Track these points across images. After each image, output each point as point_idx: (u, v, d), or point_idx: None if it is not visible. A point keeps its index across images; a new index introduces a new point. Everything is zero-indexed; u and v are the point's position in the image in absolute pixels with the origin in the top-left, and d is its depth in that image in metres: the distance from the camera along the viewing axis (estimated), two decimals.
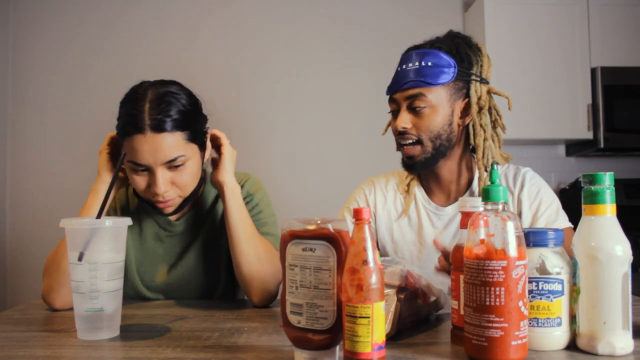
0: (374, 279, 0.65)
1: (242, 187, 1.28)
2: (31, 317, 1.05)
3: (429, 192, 1.33)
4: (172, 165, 1.10)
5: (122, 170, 1.16)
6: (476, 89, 1.21)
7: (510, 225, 0.70)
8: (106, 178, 1.15)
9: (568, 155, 3.08)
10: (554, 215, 1.21)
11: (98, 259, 0.87)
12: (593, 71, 2.73)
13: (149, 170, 1.10)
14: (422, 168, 1.24)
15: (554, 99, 2.71)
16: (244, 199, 1.26)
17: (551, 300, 0.75)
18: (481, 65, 1.23)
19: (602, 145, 2.70)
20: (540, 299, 0.75)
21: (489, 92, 1.23)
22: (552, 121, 2.71)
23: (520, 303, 0.69)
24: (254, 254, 1.14)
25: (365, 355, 0.65)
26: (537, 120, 2.70)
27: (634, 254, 0.76)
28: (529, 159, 3.02)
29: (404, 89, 1.20)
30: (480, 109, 1.21)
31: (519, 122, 2.62)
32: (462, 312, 0.76)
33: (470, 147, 1.28)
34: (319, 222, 0.69)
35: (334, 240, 0.67)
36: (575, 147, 3.00)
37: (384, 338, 0.67)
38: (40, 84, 2.89)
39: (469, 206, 0.82)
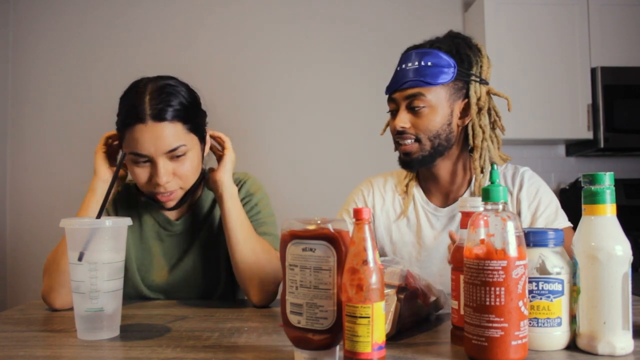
0: (374, 279, 0.65)
1: (241, 186, 1.29)
2: (31, 317, 1.05)
3: (427, 193, 1.33)
4: (173, 155, 1.10)
5: (123, 167, 1.17)
6: (476, 89, 1.21)
7: (510, 225, 0.70)
8: (103, 176, 1.15)
9: (568, 155, 3.08)
10: (553, 215, 1.21)
11: (98, 259, 0.87)
12: (593, 71, 2.73)
13: (151, 162, 1.11)
14: (419, 165, 1.24)
15: (554, 99, 2.71)
16: (243, 199, 1.27)
17: (551, 300, 0.75)
18: (481, 66, 1.23)
19: (602, 145, 2.70)
20: (540, 299, 0.75)
21: (488, 92, 1.23)
22: (552, 121, 2.71)
23: (520, 303, 0.69)
24: (252, 254, 1.14)
25: (365, 355, 0.65)
26: (537, 120, 2.70)
27: (634, 254, 0.76)
28: (529, 159, 3.02)
29: (403, 89, 1.20)
30: (480, 109, 1.21)
31: (519, 122, 2.63)
32: (462, 312, 0.76)
33: (469, 147, 1.28)
34: (319, 222, 0.69)
35: (334, 240, 0.67)
36: (575, 147, 3.00)
37: (384, 338, 0.67)
38: (40, 84, 2.89)
39: (469, 206, 0.82)
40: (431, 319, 0.97)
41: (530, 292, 0.75)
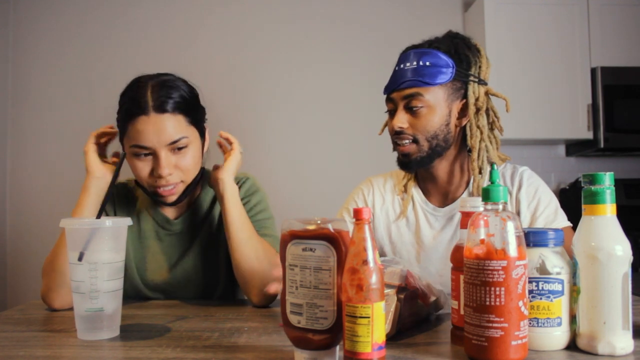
0: (374, 279, 0.65)
1: (240, 187, 1.29)
2: (31, 317, 1.05)
3: (426, 193, 1.32)
4: (175, 147, 1.12)
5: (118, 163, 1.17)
6: (474, 89, 1.21)
7: (510, 225, 0.70)
8: (97, 174, 1.13)
9: (568, 155, 3.08)
10: (552, 215, 1.21)
11: (98, 259, 0.87)
12: (593, 71, 2.73)
13: (153, 155, 1.12)
14: (417, 166, 1.24)
15: (554, 99, 2.71)
16: (242, 199, 1.26)
17: (551, 300, 0.75)
18: (480, 66, 1.22)
19: (602, 145, 2.70)
20: (540, 299, 0.75)
21: (487, 93, 1.22)
22: (552, 121, 2.71)
23: (520, 303, 0.69)
24: (253, 254, 1.14)
25: (365, 355, 0.65)
26: (537, 120, 2.70)
27: (634, 254, 0.76)
28: (529, 159, 3.02)
29: (401, 89, 1.20)
30: (478, 110, 1.21)
31: (519, 122, 2.63)
32: (462, 312, 0.76)
33: (467, 148, 1.28)
34: (319, 222, 0.69)
35: (334, 240, 0.67)
36: (575, 147, 3.00)
37: (384, 338, 0.67)
38: (40, 84, 2.89)
39: (469, 206, 0.82)
40: (431, 319, 0.97)
41: (530, 292, 0.75)
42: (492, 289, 0.69)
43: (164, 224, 1.27)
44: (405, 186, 1.34)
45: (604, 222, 0.74)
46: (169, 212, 1.28)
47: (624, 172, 3.02)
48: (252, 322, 0.99)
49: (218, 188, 1.17)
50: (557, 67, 2.72)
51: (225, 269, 1.27)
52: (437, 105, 1.19)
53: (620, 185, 2.85)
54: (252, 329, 0.93)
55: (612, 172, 0.75)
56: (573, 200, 2.34)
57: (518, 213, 1.23)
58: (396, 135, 1.22)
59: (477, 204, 0.81)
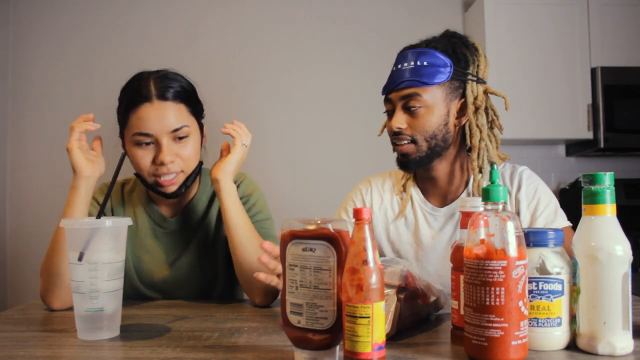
0: (374, 279, 0.65)
1: (237, 187, 1.28)
2: (31, 317, 1.05)
3: (425, 192, 1.32)
4: (176, 135, 1.14)
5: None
6: (472, 88, 1.20)
7: (510, 225, 0.70)
8: (85, 173, 1.10)
9: (568, 155, 3.08)
10: (552, 215, 1.21)
11: (98, 259, 0.87)
12: (593, 71, 2.73)
13: (154, 144, 1.14)
14: (416, 166, 1.24)
15: (554, 99, 2.71)
16: (240, 199, 1.26)
17: (551, 300, 0.75)
18: (478, 65, 1.22)
19: (602, 145, 2.70)
20: (540, 299, 0.75)
21: (485, 92, 1.22)
22: (552, 121, 2.71)
23: (520, 303, 0.69)
24: (255, 255, 1.13)
25: (365, 355, 0.65)
26: (537, 120, 2.70)
27: (634, 254, 0.76)
28: (529, 159, 3.02)
29: (399, 89, 1.20)
30: (477, 109, 1.21)
31: (519, 122, 2.63)
32: (462, 312, 0.76)
33: (467, 147, 1.27)
34: (319, 222, 0.69)
35: (334, 240, 0.68)
36: (575, 147, 3.00)
37: (384, 338, 0.67)
38: (40, 84, 2.89)
39: (469, 206, 0.82)
40: (431, 319, 0.97)
41: (530, 292, 0.75)
42: (492, 289, 0.69)
43: (161, 222, 1.27)
44: (404, 186, 1.34)
45: (604, 222, 0.74)
46: (166, 210, 1.28)
47: (624, 172, 3.02)
48: (252, 322, 0.99)
49: (214, 186, 1.17)
50: (557, 67, 2.72)
51: (224, 267, 1.27)
52: (435, 105, 1.18)
53: (620, 185, 2.85)
54: (252, 329, 0.93)
55: (612, 172, 0.75)
56: (573, 200, 2.34)
57: (517, 213, 1.22)
58: (395, 136, 1.22)
59: (477, 204, 0.81)
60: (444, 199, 1.30)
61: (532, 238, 0.76)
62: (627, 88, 2.71)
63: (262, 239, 1.17)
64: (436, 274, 1.02)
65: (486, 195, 0.73)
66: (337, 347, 0.71)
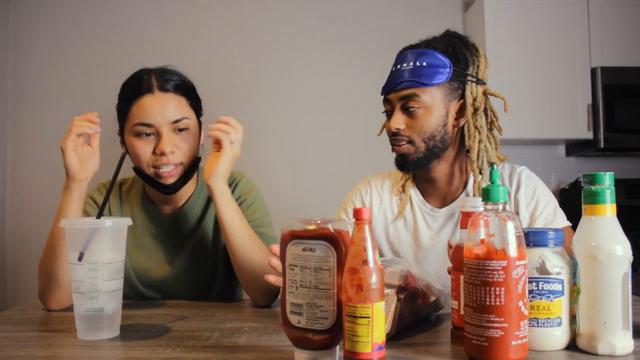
0: (374, 279, 0.65)
1: (234, 187, 1.28)
2: (31, 317, 1.05)
3: (424, 193, 1.32)
4: (177, 127, 1.16)
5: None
6: (471, 89, 1.20)
7: (510, 225, 0.70)
8: (78, 176, 1.08)
9: (568, 155, 3.08)
10: (552, 215, 1.21)
11: (98, 259, 0.87)
12: (593, 71, 2.73)
13: (155, 135, 1.15)
14: (414, 167, 1.23)
15: (554, 99, 2.71)
16: (237, 199, 1.26)
17: (551, 300, 0.75)
18: (478, 66, 1.21)
19: (602, 145, 2.70)
20: (540, 299, 0.75)
21: (485, 93, 1.22)
22: (552, 121, 2.71)
23: (520, 303, 0.69)
24: (254, 259, 1.12)
25: (365, 355, 0.65)
26: (537, 120, 2.70)
27: (634, 254, 0.76)
28: (529, 159, 3.02)
29: (397, 90, 1.19)
30: (476, 110, 1.20)
31: (519, 122, 2.63)
32: (462, 312, 0.76)
33: (466, 148, 1.27)
34: (319, 222, 0.69)
35: (334, 240, 0.67)
36: (575, 147, 3.00)
37: (384, 338, 0.67)
38: (40, 84, 2.89)
39: (469, 206, 0.82)
40: (431, 319, 0.97)
41: (530, 292, 0.75)
42: (492, 289, 0.69)
43: (159, 221, 1.27)
44: (403, 186, 1.33)
45: (604, 222, 0.74)
46: (164, 209, 1.28)
47: (624, 172, 3.02)
48: (252, 322, 0.99)
49: (210, 193, 1.14)
50: (557, 67, 2.71)
51: (223, 266, 1.26)
52: (434, 106, 1.18)
53: (620, 185, 2.85)
54: (252, 329, 0.93)
55: (612, 172, 0.75)
56: (573, 200, 2.34)
57: (517, 213, 1.22)
58: (393, 137, 1.22)
59: (477, 204, 0.81)
60: (443, 200, 1.30)
61: (532, 238, 0.76)
62: (627, 88, 2.71)
63: (261, 241, 1.17)
64: (435, 275, 1.02)
65: (486, 195, 0.73)
66: (337, 347, 0.71)
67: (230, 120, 1.14)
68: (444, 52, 1.19)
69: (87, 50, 2.89)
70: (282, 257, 0.72)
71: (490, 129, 1.24)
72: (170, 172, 1.16)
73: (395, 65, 1.23)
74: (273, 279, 0.93)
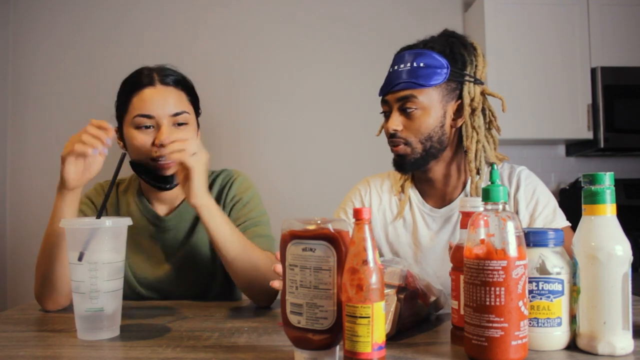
0: (374, 279, 0.65)
1: (230, 185, 1.29)
2: (31, 317, 1.05)
3: (423, 194, 1.32)
4: (176, 121, 1.18)
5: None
6: (469, 90, 1.20)
7: (510, 225, 0.70)
8: (70, 185, 1.03)
9: (568, 155, 3.08)
10: (551, 215, 1.21)
11: (98, 259, 0.87)
12: (593, 71, 2.73)
13: (155, 127, 1.16)
14: (412, 168, 1.23)
15: (554, 99, 2.71)
16: (232, 198, 1.26)
17: (551, 300, 0.75)
18: (476, 65, 1.21)
19: (602, 145, 2.70)
20: (541, 299, 0.75)
21: (483, 93, 1.22)
22: (552, 121, 2.71)
23: (520, 303, 0.69)
24: (249, 265, 1.09)
25: (365, 355, 0.65)
26: (537, 120, 2.70)
27: (634, 254, 0.76)
28: (529, 159, 3.02)
29: (395, 91, 1.19)
30: (473, 110, 1.20)
31: (519, 122, 2.63)
32: (462, 312, 0.76)
33: (464, 149, 1.27)
34: (319, 222, 0.69)
35: (334, 240, 0.67)
36: (575, 147, 3.00)
37: (384, 338, 0.67)
38: (40, 84, 2.89)
39: (469, 206, 0.82)
40: (431, 319, 0.97)
41: (530, 292, 0.75)
42: (492, 289, 0.69)
43: (155, 221, 1.27)
44: (402, 187, 1.33)
45: (604, 222, 0.74)
46: (160, 209, 1.28)
47: (624, 172, 3.02)
48: (252, 322, 0.99)
49: (197, 213, 1.07)
50: (557, 67, 2.71)
51: (221, 266, 1.26)
52: (431, 107, 1.18)
53: (620, 185, 2.85)
54: (252, 329, 0.93)
55: (612, 172, 0.75)
56: (573, 200, 2.33)
57: (516, 213, 1.22)
58: (391, 138, 1.22)
59: (477, 204, 0.81)
60: (442, 200, 1.30)
61: (532, 238, 0.76)
62: (627, 88, 2.71)
63: (253, 245, 1.13)
64: (435, 275, 1.02)
65: (486, 195, 0.73)
66: (337, 347, 0.71)
67: (175, 137, 1.05)
68: (441, 52, 1.18)
69: (87, 50, 2.89)
70: (282, 257, 0.72)
71: (488, 129, 1.24)
72: (169, 164, 1.16)
73: (392, 66, 1.23)
74: (277, 285, 0.91)
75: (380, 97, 1.25)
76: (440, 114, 1.19)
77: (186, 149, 1.01)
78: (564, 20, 2.73)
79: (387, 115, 1.24)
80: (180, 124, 1.18)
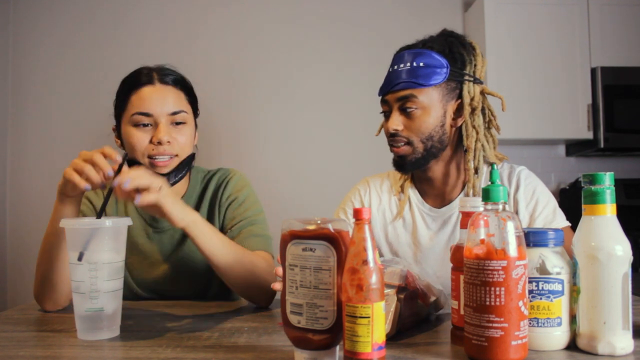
0: (374, 279, 0.65)
1: (225, 185, 1.29)
2: (31, 317, 1.05)
3: (422, 193, 1.32)
4: (174, 120, 1.18)
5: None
6: (469, 89, 1.20)
7: (510, 225, 0.70)
8: (70, 194, 1.01)
9: (568, 155, 3.08)
10: (551, 215, 1.21)
11: (98, 259, 0.87)
12: (593, 71, 2.73)
13: (153, 126, 1.17)
14: (412, 168, 1.23)
15: (554, 99, 2.71)
16: (228, 197, 1.27)
17: (551, 300, 0.75)
18: (475, 65, 1.21)
19: (602, 145, 2.70)
20: (541, 299, 0.75)
21: (482, 92, 1.22)
22: (552, 121, 2.71)
23: (520, 303, 0.69)
24: (244, 271, 1.08)
25: (365, 355, 0.65)
26: (537, 120, 2.70)
27: (634, 254, 0.76)
28: (529, 159, 3.02)
29: (395, 91, 1.19)
30: (473, 110, 1.20)
31: (519, 122, 2.63)
32: (462, 312, 0.76)
33: (464, 148, 1.27)
34: (319, 222, 0.69)
35: (334, 240, 0.67)
36: (575, 147, 3.00)
37: (384, 338, 0.67)
38: (40, 84, 2.89)
39: (469, 206, 0.82)
40: (431, 319, 0.97)
41: (530, 292, 0.75)
42: (492, 289, 0.69)
43: (152, 221, 1.27)
44: (401, 187, 1.33)
45: (604, 222, 0.74)
46: None
47: (624, 172, 3.02)
48: (252, 322, 0.99)
49: (185, 233, 1.03)
50: (557, 67, 2.71)
51: None
52: (431, 107, 1.18)
53: (620, 185, 2.85)
54: (252, 329, 0.93)
55: (612, 172, 0.75)
56: (573, 200, 2.34)
57: (516, 213, 1.22)
58: (391, 138, 1.22)
59: (477, 204, 0.81)
60: (442, 200, 1.30)
61: (532, 238, 0.76)
62: (627, 88, 2.71)
63: (245, 250, 1.12)
64: (434, 275, 1.02)
65: (486, 195, 0.73)
66: (337, 347, 0.71)
67: (120, 177, 0.93)
68: (440, 52, 1.18)
69: (87, 50, 2.89)
70: (282, 257, 0.72)
71: (488, 128, 1.24)
72: (165, 162, 1.16)
73: (392, 65, 1.23)
74: (278, 287, 0.89)
75: (380, 97, 1.25)
76: (440, 114, 1.19)
77: (150, 187, 0.94)
78: (564, 20, 2.73)
79: (386, 115, 1.24)
80: (178, 123, 1.19)
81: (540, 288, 0.75)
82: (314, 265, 0.68)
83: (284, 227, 0.72)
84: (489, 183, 0.75)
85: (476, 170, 1.22)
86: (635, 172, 3.04)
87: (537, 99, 2.70)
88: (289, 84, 2.94)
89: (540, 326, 0.75)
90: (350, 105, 2.91)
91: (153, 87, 1.18)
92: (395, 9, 2.98)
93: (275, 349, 0.80)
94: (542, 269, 0.76)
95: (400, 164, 1.23)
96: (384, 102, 1.24)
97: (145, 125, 1.17)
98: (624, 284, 0.73)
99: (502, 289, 0.69)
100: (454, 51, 1.19)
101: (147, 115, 1.16)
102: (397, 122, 1.20)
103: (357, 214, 0.67)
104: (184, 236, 1.27)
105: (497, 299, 0.69)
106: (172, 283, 1.26)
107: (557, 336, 0.75)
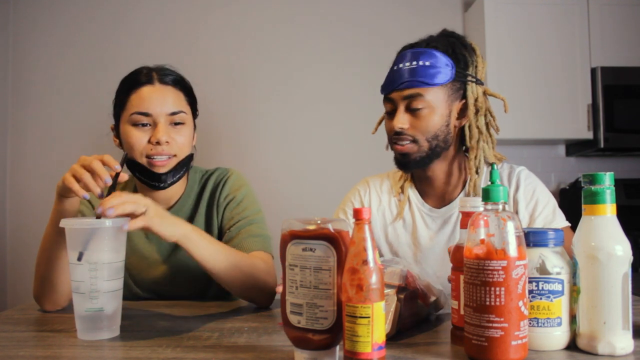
0: (374, 279, 0.65)
1: (223, 184, 1.29)
2: (31, 317, 1.05)
3: (422, 194, 1.32)
4: (173, 120, 1.19)
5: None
6: (473, 90, 1.20)
7: (510, 225, 0.70)
8: (68, 197, 1.01)
9: (568, 155, 3.08)
10: (551, 215, 1.21)
11: (98, 259, 0.87)
12: (593, 71, 2.73)
13: (151, 126, 1.17)
14: (415, 167, 1.23)
15: (554, 99, 2.71)
16: (225, 197, 1.27)
17: (551, 300, 0.75)
18: (476, 66, 1.21)
19: (602, 145, 2.70)
20: (541, 299, 0.75)
21: (484, 93, 1.22)
22: (552, 121, 2.71)
23: (520, 303, 0.69)
24: (242, 276, 1.07)
25: (365, 355, 0.65)
26: (537, 120, 2.70)
27: (634, 254, 0.76)
28: (529, 159, 3.02)
29: (400, 89, 1.19)
30: (477, 110, 1.21)
31: (519, 122, 2.63)
32: (462, 312, 0.76)
33: (464, 148, 1.27)
34: (319, 222, 0.69)
35: (334, 240, 0.68)
36: (575, 147, 3.00)
37: (384, 338, 0.67)
38: (40, 84, 2.89)
39: (469, 206, 0.82)
40: (431, 319, 0.97)
41: (530, 292, 0.75)
42: (492, 289, 0.69)
43: None
44: (401, 187, 1.33)
45: (604, 222, 0.74)
46: None
47: (624, 172, 3.02)
48: (252, 322, 0.99)
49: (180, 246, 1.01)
50: (557, 67, 2.71)
51: None
52: (437, 106, 1.18)
53: (620, 185, 2.85)
54: (252, 329, 0.93)
55: (612, 172, 0.75)
56: (573, 200, 2.34)
57: (516, 213, 1.22)
58: (396, 136, 1.21)
59: (477, 204, 0.81)
60: (442, 200, 1.30)
61: (532, 238, 0.76)
62: (627, 88, 2.71)
63: (241, 253, 1.11)
64: (434, 275, 1.02)
65: (486, 195, 0.73)
66: (337, 347, 0.71)
67: (108, 204, 0.89)
68: (444, 52, 1.18)
69: (87, 50, 2.89)
70: (282, 257, 0.72)
71: (487, 129, 1.24)
72: (163, 162, 1.17)
73: (396, 64, 1.22)
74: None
75: (383, 95, 1.25)
76: (445, 113, 1.19)
77: (135, 213, 0.92)
78: (564, 20, 2.73)
79: (391, 113, 1.24)
80: (177, 124, 1.19)
81: (540, 288, 0.75)
82: (314, 265, 0.68)
83: (284, 227, 0.72)
84: (489, 183, 0.75)
85: (477, 170, 1.22)
86: (635, 172, 3.04)
87: (537, 99, 2.70)
88: (289, 84, 2.94)
89: (540, 326, 0.75)
90: (350, 105, 2.91)
91: (152, 87, 1.19)
92: (395, 9, 2.98)
93: (275, 349, 0.80)
94: (542, 269, 0.76)
95: (403, 162, 1.22)
96: (387, 100, 1.23)
97: (144, 125, 1.17)
98: (624, 284, 0.73)
99: (502, 289, 0.69)
100: (456, 52, 1.19)
101: (146, 115, 1.16)
102: (403, 120, 1.19)
103: (357, 214, 0.67)
104: None
105: (497, 299, 0.69)
106: (171, 283, 1.26)
107: (557, 336, 0.75)
